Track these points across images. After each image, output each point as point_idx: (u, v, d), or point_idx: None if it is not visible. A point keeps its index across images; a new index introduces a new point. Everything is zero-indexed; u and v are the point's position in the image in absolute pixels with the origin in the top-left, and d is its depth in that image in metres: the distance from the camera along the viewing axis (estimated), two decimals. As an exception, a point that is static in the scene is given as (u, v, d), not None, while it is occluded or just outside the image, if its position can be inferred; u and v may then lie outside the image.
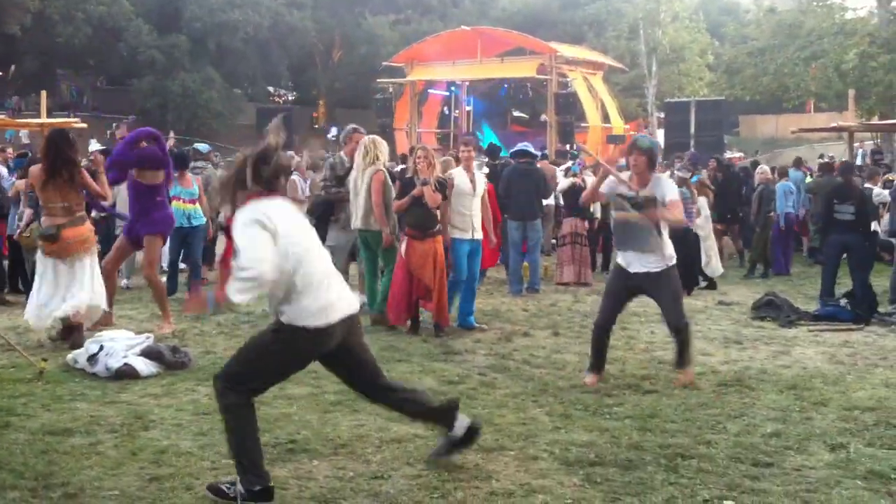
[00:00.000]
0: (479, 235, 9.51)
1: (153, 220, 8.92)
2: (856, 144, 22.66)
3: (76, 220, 8.14)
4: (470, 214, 9.42)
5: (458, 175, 9.53)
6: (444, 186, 9.10)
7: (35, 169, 8.23)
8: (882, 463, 5.16)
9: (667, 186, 6.97)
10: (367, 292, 9.64)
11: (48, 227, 8.03)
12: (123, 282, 12.16)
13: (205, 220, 11.33)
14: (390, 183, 9.41)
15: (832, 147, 33.32)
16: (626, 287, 7.14)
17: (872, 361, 8.00)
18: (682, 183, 12.65)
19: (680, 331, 7.05)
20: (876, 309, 10.23)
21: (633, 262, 6.99)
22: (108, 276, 8.84)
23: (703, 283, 12.79)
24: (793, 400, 6.56)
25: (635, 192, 6.88)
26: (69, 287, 8.08)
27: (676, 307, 7.09)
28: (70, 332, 8.12)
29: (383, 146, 9.43)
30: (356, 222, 9.37)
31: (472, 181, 9.48)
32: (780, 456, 5.29)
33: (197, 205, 11.17)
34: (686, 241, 12.36)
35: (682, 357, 7.10)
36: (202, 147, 14.59)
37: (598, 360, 7.17)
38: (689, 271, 12.43)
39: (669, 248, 6.95)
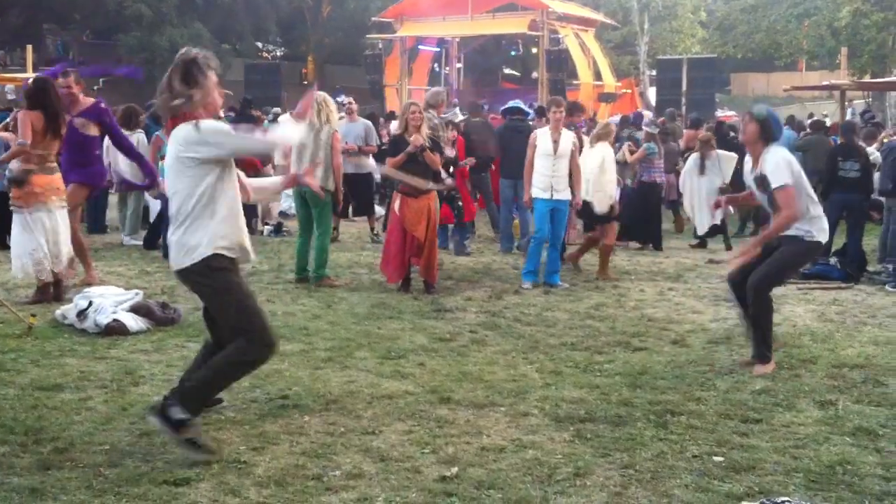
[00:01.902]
0: (560, 196, 9.37)
1: (83, 171, 8.76)
2: (847, 103, 22.61)
3: (47, 169, 8.03)
4: (550, 175, 9.33)
5: (542, 135, 9.48)
6: (437, 145, 9.08)
7: (33, 114, 7.99)
8: (870, 419, 5.20)
9: (771, 168, 6.18)
10: (297, 254, 9.44)
11: (19, 172, 7.95)
12: (124, 239, 12.09)
13: None
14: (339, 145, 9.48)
15: (824, 105, 33.26)
16: (765, 246, 6.47)
17: (861, 319, 8.05)
18: (649, 138, 12.69)
19: (755, 298, 6.33)
20: (865, 268, 10.27)
21: None
22: (76, 240, 8.73)
23: (694, 241, 12.81)
24: (782, 357, 6.57)
25: (754, 171, 6.39)
26: (53, 240, 8.02)
27: (768, 270, 6.34)
28: (45, 290, 8.08)
29: (333, 105, 9.45)
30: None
31: (556, 142, 9.33)
32: (769, 412, 5.32)
33: None
34: (649, 197, 12.43)
35: (755, 340, 6.40)
36: None
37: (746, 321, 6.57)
38: (652, 227, 12.51)
39: (805, 223, 6.27)
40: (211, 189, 4.46)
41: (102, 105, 8.78)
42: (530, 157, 9.53)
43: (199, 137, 4.40)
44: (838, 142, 12.11)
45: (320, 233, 9.34)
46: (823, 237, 6.37)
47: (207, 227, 4.47)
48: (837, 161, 10.78)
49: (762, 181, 6.26)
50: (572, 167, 9.42)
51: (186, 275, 4.59)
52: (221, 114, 4.84)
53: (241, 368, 4.70)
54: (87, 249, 9.07)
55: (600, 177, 9.96)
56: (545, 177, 9.36)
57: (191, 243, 4.49)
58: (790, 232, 6.26)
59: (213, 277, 4.54)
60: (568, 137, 9.43)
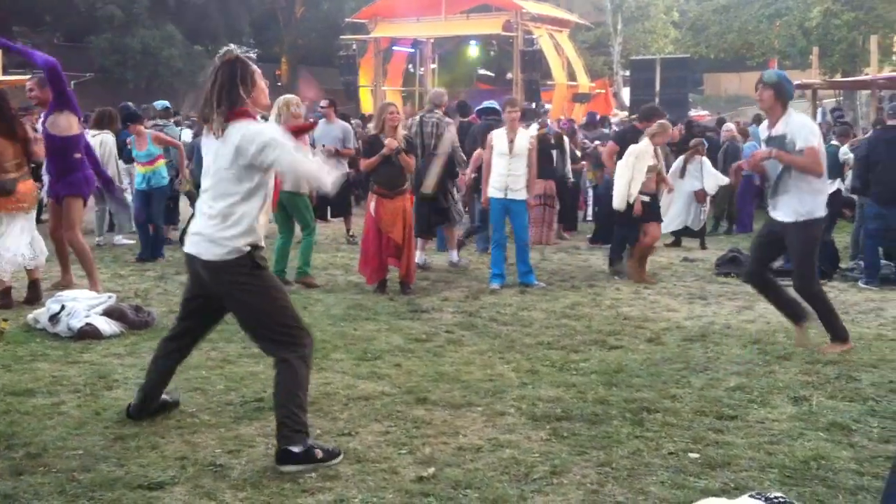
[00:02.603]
0: (515, 196, 9.35)
1: (70, 181, 8.48)
2: (818, 102, 22.81)
3: (25, 176, 8.02)
4: (506, 174, 9.32)
5: (498, 136, 9.44)
6: (412, 146, 9.08)
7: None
8: (843, 415, 5.24)
9: (797, 127, 6.51)
10: (276, 254, 9.27)
11: (4, 181, 7.87)
12: (96, 239, 12.05)
13: (166, 180, 11.10)
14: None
15: (796, 104, 33.42)
16: (769, 232, 6.87)
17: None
18: None
19: (805, 297, 6.78)
20: (838, 264, 10.35)
21: (773, 208, 6.78)
22: (59, 242, 8.68)
23: (668, 240, 12.88)
24: (756, 354, 6.64)
25: (768, 134, 6.69)
26: (28, 241, 7.97)
27: (799, 269, 6.74)
28: (7, 293, 8.02)
29: (298, 108, 9.28)
30: (286, 185, 9.19)
31: (512, 141, 9.31)
32: (744, 409, 5.35)
33: (157, 164, 10.92)
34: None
35: (826, 326, 6.80)
36: (158, 104, 14.13)
37: (784, 310, 6.98)
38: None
39: (807, 201, 6.55)
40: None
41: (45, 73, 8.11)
42: (487, 157, 9.54)
43: (264, 141, 4.38)
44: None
45: (306, 233, 9.32)
46: (822, 211, 6.64)
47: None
48: None
49: (782, 141, 6.49)
50: (529, 165, 9.42)
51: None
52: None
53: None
54: (92, 260, 8.90)
55: (623, 173, 9.71)
56: (501, 176, 9.36)
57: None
58: (790, 219, 6.56)
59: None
60: (524, 137, 9.42)
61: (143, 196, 10.84)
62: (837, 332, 6.74)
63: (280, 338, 4.55)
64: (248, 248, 4.49)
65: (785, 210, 6.61)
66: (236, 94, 4.46)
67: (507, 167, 9.31)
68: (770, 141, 6.67)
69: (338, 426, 4.99)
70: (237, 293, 4.55)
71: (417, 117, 10.89)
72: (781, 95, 6.57)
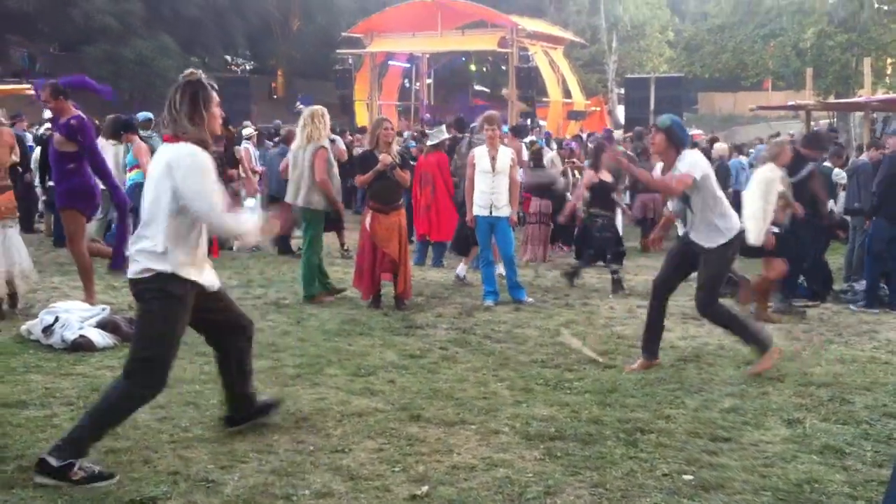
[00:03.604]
0: (500, 213, 9.32)
1: (63, 191, 8.44)
2: (812, 123, 22.92)
3: (4, 188, 8.04)
4: (489, 192, 9.31)
5: (480, 154, 9.41)
6: (405, 161, 9.10)
7: None
8: (837, 438, 5.24)
9: (684, 164, 6.52)
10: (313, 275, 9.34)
11: None
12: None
13: None
14: (333, 160, 9.32)
15: (789, 125, 33.70)
16: (682, 251, 6.88)
17: (828, 338, 8.13)
18: None
19: (710, 318, 6.85)
20: (831, 286, 10.37)
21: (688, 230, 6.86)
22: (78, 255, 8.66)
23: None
24: (750, 376, 6.63)
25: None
26: (7, 255, 7.96)
27: (705, 288, 6.72)
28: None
29: (325, 119, 9.28)
30: (298, 200, 9.23)
31: (494, 159, 9.28)
32: (738, 431, 5.35)
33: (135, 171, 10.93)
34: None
35: (746, 341, 6.80)
36: (141, 115, 13.95)
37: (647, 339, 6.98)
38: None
39: (715, 230, 6.59)
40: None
41: (74, 122, 8.19)
42: (470, 175, 9.48)
43: (195, 180, 4.42)
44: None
45: (304, 252, 9.28)
46: (733, 231, 6.63)
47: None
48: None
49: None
50: (511, 183, 9.37)
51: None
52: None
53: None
54: (92, 274, 8.78)
55: (754, 202, 8.69)
56: (484, 194, 9.34)
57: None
58: (704, 243, 6.61)
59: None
60: (505, 154, 9.38)
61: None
62: (759, 343, 6.67)
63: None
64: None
65: (699, 237, 6.70)
66: (194, 120, 4.51)
67: (490, 185, 9.30)
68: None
69: (331, 443, 4.97)
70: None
71: (467, 138, 11.01)
72: (673, 140, 6.57)
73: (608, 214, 10.83)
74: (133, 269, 4.51)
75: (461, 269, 10.84)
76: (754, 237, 8.51)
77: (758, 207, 8.57)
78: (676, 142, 6.59)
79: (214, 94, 4.63)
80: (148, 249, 4.46)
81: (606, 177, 10.68)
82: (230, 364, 5.03)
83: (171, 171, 4.42)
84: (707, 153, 16.64)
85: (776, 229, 8.79)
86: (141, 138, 12.54)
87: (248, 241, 4.68)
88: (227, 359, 5.03)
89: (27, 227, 14.08)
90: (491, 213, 9.33)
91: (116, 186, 9.16)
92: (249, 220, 4.75)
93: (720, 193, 6.68)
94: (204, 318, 4.77)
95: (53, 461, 4.27)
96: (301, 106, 12.88)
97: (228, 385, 5.08)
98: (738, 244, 6.81)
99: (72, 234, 8.51)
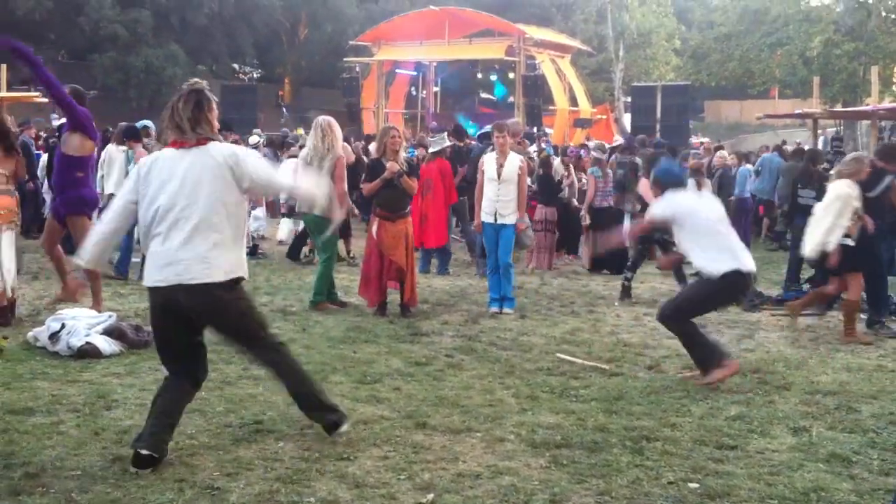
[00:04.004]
0: (505, 220, 9.34)
1: (68, 198, 8.43)
2: (819, 132, 22.89)
3: (3, 192, 8.04)
4: (495, 199, 9.33)
5: (488, 160, 9.47)
6: (413, 169, 9.12)
7: None
8: (843, 446, 5.23)
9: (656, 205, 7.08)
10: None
11: None
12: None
13: None
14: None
15: (796, 133, 33.66)
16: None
17: (834, 346, 8.11)
18: (595, 163, 12.93)
19: (669, 326, 7.01)
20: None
21: None
22: (55, 258, 8.65)
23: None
24: (756, 383, 6.62)
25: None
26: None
27: (680, 302, 7.05)
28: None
29: (339, 129, 9.34)
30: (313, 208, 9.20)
31: (501, 166, 9.30)
32: (744, 439, 5.34)
33: None
34: (598, 221, 12.60)
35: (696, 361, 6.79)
36: (139, 124, 13.87)
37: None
38: (614, 252, 12.63)
39: (707, 258, 6.72)
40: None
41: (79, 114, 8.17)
42: (480, 182, 9.54)
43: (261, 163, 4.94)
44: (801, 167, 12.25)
45: (324, 260, 9.31)
46: (722, 267, 6.62)
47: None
48: (797, 188, 10.94)
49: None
50: (518, 191, 9.37)
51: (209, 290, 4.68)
52: None
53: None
54: (100, 279, 8.84)
55: (827, 217, 8.36)
56: (490, 201, 9.38)
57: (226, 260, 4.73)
58: (699, 268, 6.85)
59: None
60: (513, 162, 9.38)
61: None
62: (704, 367, 6.61)
63: None
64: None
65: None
66: (201, 124, 4.80)
67: (496, 192, 9.33)
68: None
69: (336, 450, 4.97)
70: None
71: (490, 148, 10.99)
72: (657, 187, 7.12)
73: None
74: (207, 274, 4.64)
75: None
76: (810, 250, 8.47)
77: (829, 223, 8.33)
78: (659, 187, 7.09)
79: (214, 103, 4.91)
80: (223, 253, 4.68)
81: None
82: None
83: (230, 168, 4.68)
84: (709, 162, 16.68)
85: (851, 242, 8.43)
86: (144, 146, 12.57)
87: (320, 204, 5.35)
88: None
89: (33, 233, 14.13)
90: (496, 220, 9.34)
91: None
92: (319, 183, 5.40)
93: (706, 233, 6.72)
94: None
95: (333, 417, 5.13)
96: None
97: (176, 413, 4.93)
98: (730, 287, 6.77)
99: (80, 241, 8.49)
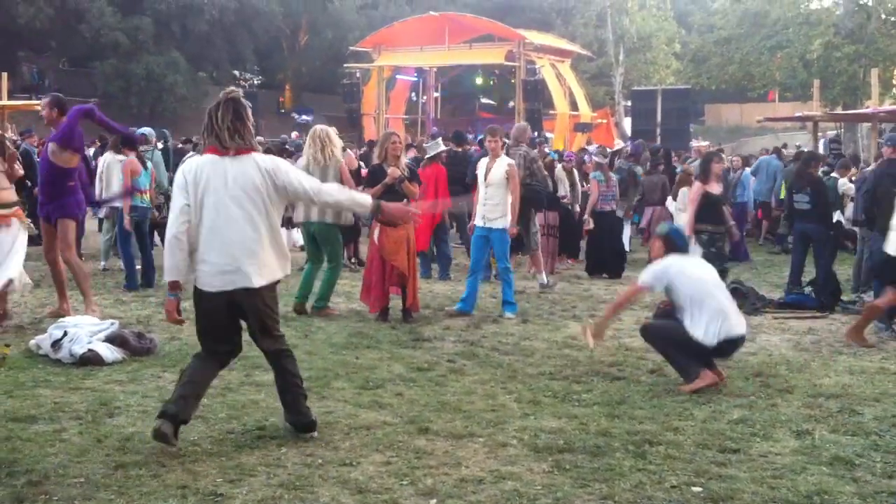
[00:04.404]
0: (492, 224, 9.41)
1: (61, 203, 8.58)
2: (819, 134, 22.93)
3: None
4: (483, 202, 9.48)
5: (480, 164, 9.70)
6: (414, 174, 9.14)
7: None
8: (846, 449, 5.22)
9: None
10: (302, 280, 9.34)
11: None
12: (101, 264, 12.11)
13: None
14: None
15: (796, 136, 33.66)
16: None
17: (837, 349, 8.10)
18: (598, 167, 12.96)
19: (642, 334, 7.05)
20: (840, 297, 10.34)
21: None
22: (53, 266, 8.70)
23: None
24: (758, 387, 6.62)
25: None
26: None
27: (660, 328, 7.00)
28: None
29: (336, 137, 9.41)
30: (311, 216, 9.21)
31: (489, 170, 9.42)
32: (747, 442, 5.34)
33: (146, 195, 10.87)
34: (600, 225, 12.62)
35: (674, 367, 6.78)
36: (144, 131, 13.83)
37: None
38: (608, 255, 12.64)
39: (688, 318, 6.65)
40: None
41: (65, 123, 8.38)
42: (475, 186, 9.73)
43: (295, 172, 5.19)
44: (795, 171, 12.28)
45: (331, 267, 9.32)
46: (697, 334, 6.55)
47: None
48: (792, 192, 10.97)
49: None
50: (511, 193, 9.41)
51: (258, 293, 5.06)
52: None
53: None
54: (88, 280, 8.95)
55: None
56: (479, 205, 9.52)
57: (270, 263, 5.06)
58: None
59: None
60: (501, 165, 9.43)
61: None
62: (684, 375, 6.58)
63: None
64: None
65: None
66: (243, 133, 5.06)
67: (484, 196, 9.46)
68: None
69: (339, 456, 4.97)
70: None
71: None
72: (670, 247, 6.91)
73: (715, 230, 9.84)
74: (262, 276, 5.04)
75: (542, 277, 11.23)
76: (893, 249, 8.21)
77: None
78: (673, 248, 6.91)
79: (249, 110, 5.14)
80: (273, 256, 5.09)
81: (714, 189, 9.86)
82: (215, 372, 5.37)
83: (269, 178, 4.99)
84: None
85: None
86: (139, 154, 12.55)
87: (362, 211, 5.91)
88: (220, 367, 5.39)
89: (34, 239, 14.12)
90: (484, 223, 9.44)
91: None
92: (353, 192, 5.67)
93: (690, 305, 6.62)
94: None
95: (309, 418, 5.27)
96: (304, 117, 12.82)
97: (203, 385, 5.28)
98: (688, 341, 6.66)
99: (69, 244, 8.67)
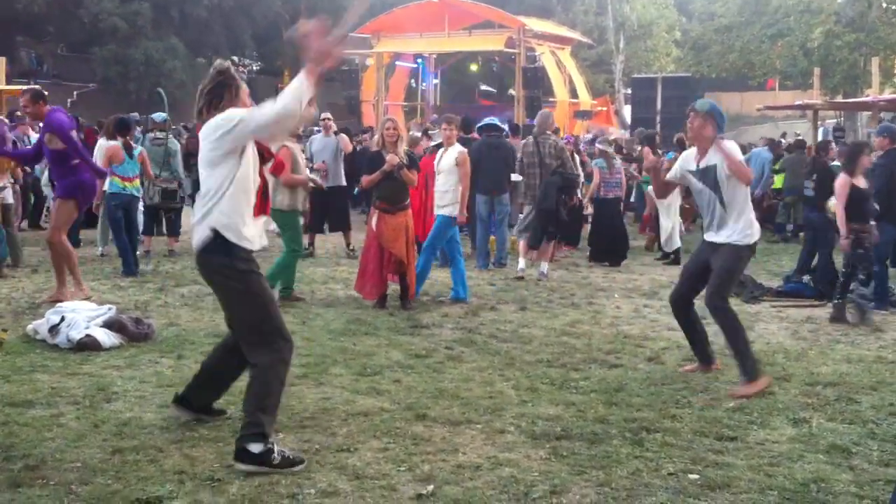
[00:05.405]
0: (441, 212, 9.53)
1: (63, 184, 8.73)
2: (819, 123, 22.89)
3: None
4: (437, 190, 9.68)
5: (439, 153, 9.82)
6: (414, 162, 9.11)
7: None
8: (843, 437, 5.23)
9: (723, 150, 6.29)
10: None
11: None
12: (99, 250, 12.11)
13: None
14: (299, 158, 9.28)
15: (796, 125, 33.62)
16: (703, 260, 6.58)
17: (834, 337, 8.10)
18: (601, 154, 12.91)
19: (711, 312, 6.43)
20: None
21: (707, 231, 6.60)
22: (56, 251, 8.74)
23: (669, 258, 12.86)
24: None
25: (696, 165, 6.43)
26: None
27: (717, 284, 6.42)
28: None
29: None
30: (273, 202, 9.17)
31: (440, 157, 9.65)
32: (744, 430, 5.34)
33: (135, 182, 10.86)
34: (603, 212, 12.61)
35: (734, 354, 6.34)
36: (157, 116, 13.71)
37: (693, 347, 6.82)
38: (613, 243, 12.62)
39: (742, 225, 6.33)
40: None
41: (53, 117, 8.48)
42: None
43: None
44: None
45: (288, 250, 9.18)
46: (755, 237, 6.46)
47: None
48: (804, 181, 10.98)
49: (714, 172, 6.32)
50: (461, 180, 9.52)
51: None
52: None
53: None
54: (75, 267, 8.94)
55: None
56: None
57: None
58: (722, 240, 6.36)
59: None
60: (450, 154, 9.58)
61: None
62: (746, 368, 6.21)
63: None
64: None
65: (723, 234, 6.41)
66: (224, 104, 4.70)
67: (436, 184, 9.64)
68: (701, 173, 6.42)
69: (336, 442, 4.97)
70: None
71: (531, 139, 11.11)
72: (712, 124, 6.37)
73: (860, 227, 8.90)
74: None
75: (543, 266, 11.20)
76: None
77: None
78: (714, 128, 6.37)
79: (244, 85, 4.82)
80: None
81: (861, 182, 8.96)
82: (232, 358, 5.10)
83: (216, 131, 4.56)
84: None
85: None
86: (156, 139, 12.55)
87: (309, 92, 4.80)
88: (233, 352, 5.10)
89: (35, 224, 14.16)
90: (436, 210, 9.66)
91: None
92: (293, 88, 4.66)
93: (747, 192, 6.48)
94: None
95: (253, 448, 4.50)
96: (324, 116, 12.85)
97: (214, 373, 5.21)
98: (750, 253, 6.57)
99: (62, 224, 8.74)
